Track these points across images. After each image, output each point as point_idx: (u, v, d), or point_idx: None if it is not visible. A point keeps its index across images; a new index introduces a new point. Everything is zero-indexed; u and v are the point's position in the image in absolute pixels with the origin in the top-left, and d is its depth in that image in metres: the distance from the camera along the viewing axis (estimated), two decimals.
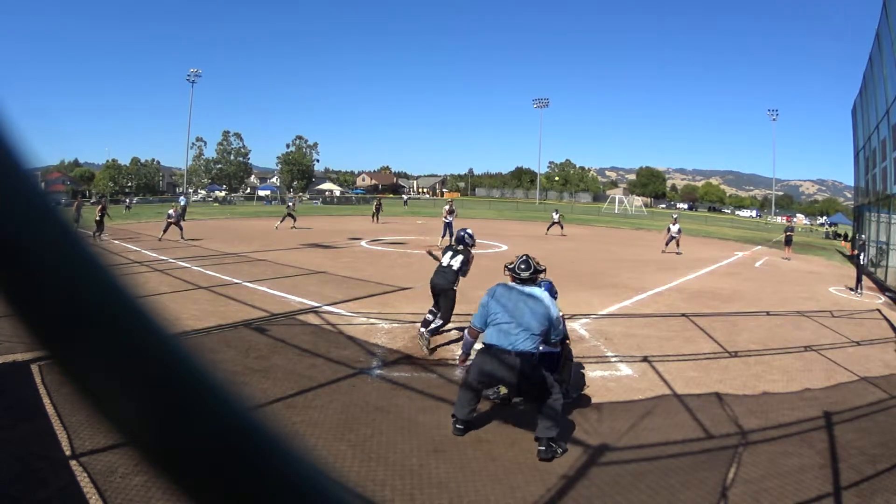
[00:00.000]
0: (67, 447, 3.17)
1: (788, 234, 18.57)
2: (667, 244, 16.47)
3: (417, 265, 11.37)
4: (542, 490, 3.04)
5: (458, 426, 3.66)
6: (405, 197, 39.09)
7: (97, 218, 14.75)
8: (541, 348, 3.73)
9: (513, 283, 3.85)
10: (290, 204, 21.07)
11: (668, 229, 16.79)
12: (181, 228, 15.34)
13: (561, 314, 3.84)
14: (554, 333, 3.70)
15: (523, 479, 3.15)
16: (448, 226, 15.36)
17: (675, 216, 17.62)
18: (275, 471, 0.24)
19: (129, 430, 0.23)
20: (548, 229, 21.98)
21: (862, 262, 11.72)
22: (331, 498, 0.25)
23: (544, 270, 4.06)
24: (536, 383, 3.54)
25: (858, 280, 11.31)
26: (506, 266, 4.10)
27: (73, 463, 2.99)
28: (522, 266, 3.92)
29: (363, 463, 3.24)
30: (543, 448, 3.40)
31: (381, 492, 2.94)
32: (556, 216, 22.58)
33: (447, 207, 16.10)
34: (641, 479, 3.23)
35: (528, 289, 3.75)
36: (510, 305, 3.64)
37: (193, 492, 0.23)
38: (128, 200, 37.56)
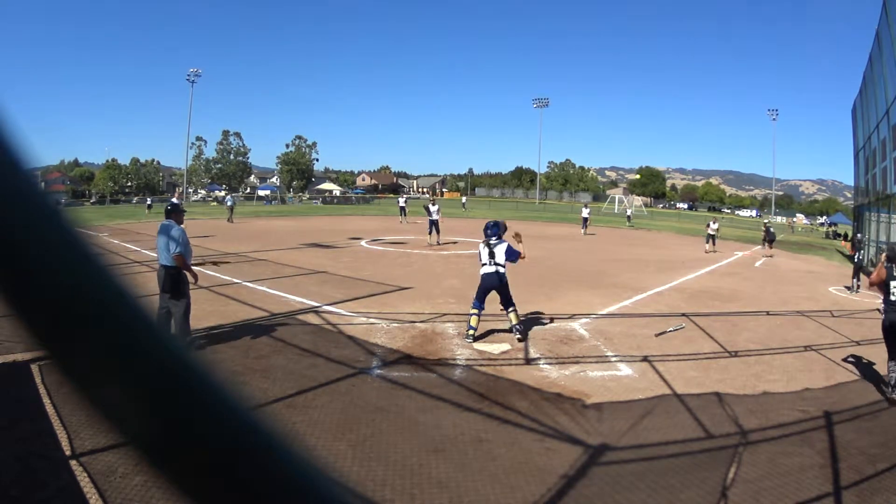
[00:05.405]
0: (67, 447, 3.17)
1: (769, 231, 18.36)
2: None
3: (418, 265, 11.38)
4: (542, 490, 3.03)
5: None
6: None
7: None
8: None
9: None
10: (230, 204, 23.97)
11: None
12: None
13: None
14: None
15: (523, 479, 3.15)
16: (434, 223, 15.17)
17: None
18: (275, 470, 0.24)
19: (129, 430, 0.23)
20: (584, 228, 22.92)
21: (856, 260, 11.81)
22: (331, 498, 0.25)
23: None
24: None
25: (854, 275, 11.40)
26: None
27: (73, 463, 2.99)
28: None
29: (363, 463, 3.23)
30: None
31: (381, 491, 2.94)
32: (585, 212, 23.39)
33: (434, 207, 15.49)
34: (641, 479, 3.22)
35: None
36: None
37: (193, 492, 0.23)
38: (149, 200, 36.90)
